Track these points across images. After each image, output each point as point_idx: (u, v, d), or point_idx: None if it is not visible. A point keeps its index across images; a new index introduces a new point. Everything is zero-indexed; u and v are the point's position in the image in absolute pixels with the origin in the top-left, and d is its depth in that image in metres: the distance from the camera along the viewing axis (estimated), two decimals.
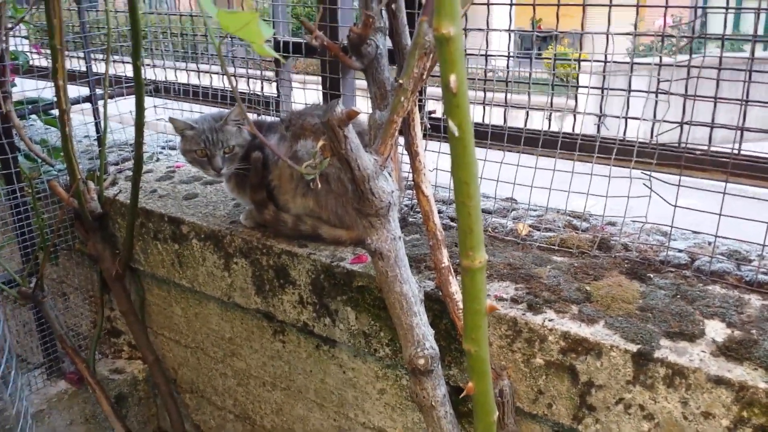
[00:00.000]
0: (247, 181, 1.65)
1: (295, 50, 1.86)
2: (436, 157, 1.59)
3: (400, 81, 1.12)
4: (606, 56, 1.40)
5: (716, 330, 1.18)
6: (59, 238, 2.08)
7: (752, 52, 1.24)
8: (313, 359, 1.73)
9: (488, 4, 1.53)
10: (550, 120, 1.49)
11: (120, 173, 2.21)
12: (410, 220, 1.70)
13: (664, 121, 1.34)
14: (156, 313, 2.14)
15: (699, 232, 1.47)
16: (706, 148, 1.34)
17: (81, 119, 2.16)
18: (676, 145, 1.36)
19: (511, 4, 1.54)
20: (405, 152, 1.36)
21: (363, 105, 1.75)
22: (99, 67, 2.17)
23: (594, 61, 1.43)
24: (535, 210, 1.70)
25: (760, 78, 1.25)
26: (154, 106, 2.25)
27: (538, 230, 1.58)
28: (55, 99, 1.63)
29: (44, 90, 2.13)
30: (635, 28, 1.40)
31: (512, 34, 1.62)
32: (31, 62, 2.27)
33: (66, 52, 1.51)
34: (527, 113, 1.53)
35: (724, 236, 1.36)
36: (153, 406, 2.30)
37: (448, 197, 1.77)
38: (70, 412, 2.10)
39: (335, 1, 1.74)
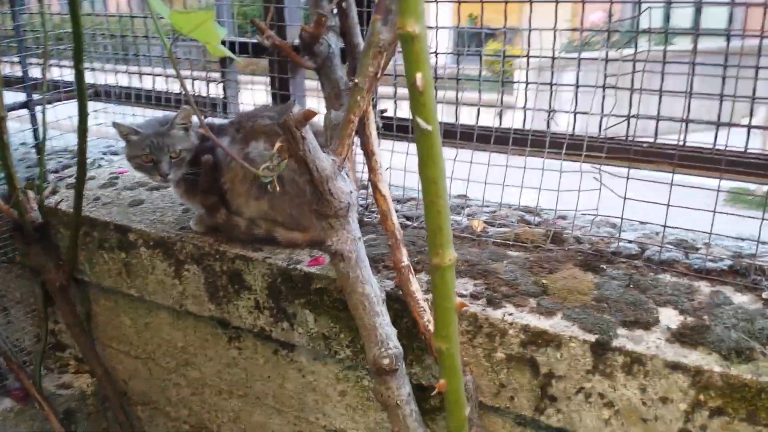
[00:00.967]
0: (197, 185, 1.62)
1: (242, 50, 1.83)
2: (389, 156, 1.59)
3: (356, 80, 1.11)
4: (554, 52, 1.43)
5: (670, 317, 1.21)
6: None
7: (695, 46, 1.28)
8: (271, 364, 1.71)
9: (436, 2, 1.53)
10: (501, 116, 1.51)
11: (60, 181, 2.13)
12: (365, 220, 1.69)
13: (612, 115, 1.37)
14: (103, 324, 2.07)
15: (646, 222, 1.51)
16: (652, 140, 1.38)
17: (17, 126, 2.07)
18: (624, 138, 1.39)
19: (459, 1, 1.55)
20: (360, 152, 1.35)
21: (314, 105, 1.73)
22: (35, 72, 2.08)
23: (541, 57, 1.45)
24: (488, 206, 1.72)
25: (701, 70, 1.29)
26: (94, 111, 2.17)
27: (493, 226, 1.59)
28: None
29: None
30: (581, 24, 1.43)
31: (451, 32, 1.64)
32: None
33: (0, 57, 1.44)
34: (478, 110, 1.54)
35: (671, 226, 1.40)
36: (103, 420, 2.22)
37: (403, 196, 1.77)
38: (17, 430, 2.02)
39: None
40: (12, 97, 2.00)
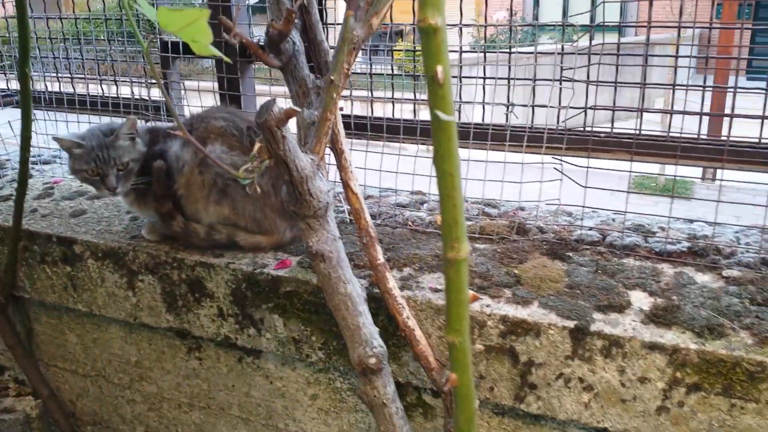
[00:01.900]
0: (149, 193, 1.55)
1: (186, 50, 1.77)
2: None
3: (331, 77, 1.10)
4: (510, 47, 1.46)
5: (640, 300, 1.26)
6: None
7: (647, 38, 1.33)
8: (236, 373, 1.66)
9: None
10: (459, 112, 1.52)
11: None
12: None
13: (571, 107, 1.41)
14: (46, 343, 1.96)
15: (598, 209, 1.56)
16: (609, 130, 1.43)
17: None
18: (582, 129, 1.43)
19: None
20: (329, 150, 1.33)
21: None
22: None
23: (500, 51, 1.48)
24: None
25: (652, 61, 1.35)
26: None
27: None
28: None
29: None
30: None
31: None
32: None
33: None
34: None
35: (630, 212, 1.46)
36: None
37: (363, 193, 1.76)
38: None
39: None
40: None
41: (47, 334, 1.93)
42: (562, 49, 1.38)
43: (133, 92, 1.86)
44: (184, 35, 0.81)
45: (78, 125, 1.95)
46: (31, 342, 1.96)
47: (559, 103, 1.42)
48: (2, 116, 2.02)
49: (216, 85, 1.74)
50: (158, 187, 1.51)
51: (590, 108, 1.40)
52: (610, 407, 1.22)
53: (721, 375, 1.12)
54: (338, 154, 1.31)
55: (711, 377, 1.13)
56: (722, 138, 1.34)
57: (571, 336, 1.21)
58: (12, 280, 1.80)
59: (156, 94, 1.86)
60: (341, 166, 1.31)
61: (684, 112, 1.33)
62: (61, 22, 1.92)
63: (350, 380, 1.51)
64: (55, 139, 1.52)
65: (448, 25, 1.49)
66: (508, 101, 1.48)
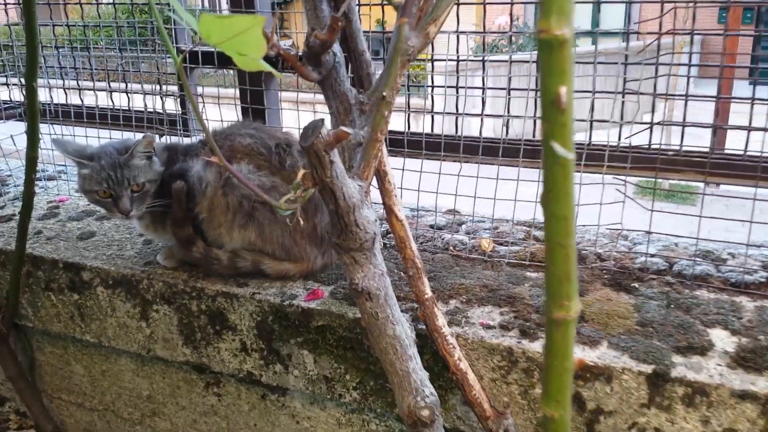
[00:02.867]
0: (166, 216, 1.41)
1: (205, 60, 1.63)
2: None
3: (383, 93, 0.96)
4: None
5: (722, 339, 1.12)
6: None
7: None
8: (259, 411, 1.52)
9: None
10: (508, 126, 1.39)
11: None
12: None
13: (636, 122, 1.27)
14: (50, 374, 1.82)
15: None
16: (677, 148, 1.30)
17: None
18: (647, 147, 1.30)
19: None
20: None
21: (292, 119, 1.56)
22: None
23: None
24: (482, 221, 1.60)
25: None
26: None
27: (502, 245, 1.47)
28: None
29: None
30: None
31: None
32: None
33: None
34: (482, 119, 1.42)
35: (703, 238, 1.32)
36: None
37: None
38: None
39: (252, 3, 1.53)
40: None
41: (51, 364, 1.79)
42: (626, 58, 1.25)
43: (146, 105, 1.73)
44: (227, 47, 0.67)
45: (86, 139, 1.81)
46: (33, 373, 1.82)
47: (622, 118, 1.28)
48: (4, 129, 1.89)
49: (237, 93, 1.60)
50: (178, 209, 1.38)
51: (657, 124, 1.26)
52: None
53: None
54: (381, 176, 1.17)
55: None
56: None
57: (648, 382, 1.07)
58: (14, 308, 1.66)
59: (171, 106, 1.72)
60: (384, 190, 1.17)
61: (766, 129, 1.19)
62: (68, 30, 1.79)
63: (387, 422, 1.38)
64: (55, 141, 1.38)
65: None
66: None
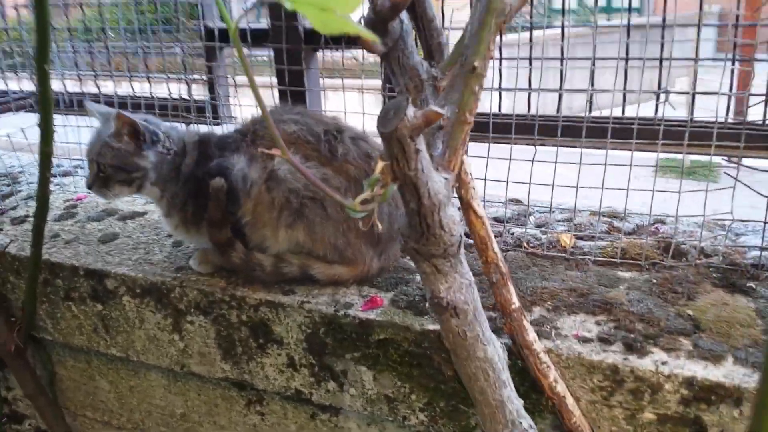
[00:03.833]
0: (200, 217, 1.24)
1: (226, 38, 1.45)
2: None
3: (475, 63, 0.78)
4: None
5: None
6: None
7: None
8: None
9: None
10: (591, 102, 1.20)
11: (2, 215, 1.69)
12: None
13: (751, 94, 1.08)
14: (73, 390, 1.66)
15: (748, 221, 1.23)
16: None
17: None
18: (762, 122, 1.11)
19: None
20: None
21: (336, 102, 1.38)
22: None
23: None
24: (552, 212, 1.41)
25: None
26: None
27: (582, 239, 1.29)
28: None
29: None
30: None
31: None
32: None
33: None
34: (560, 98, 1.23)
35: None
36: None
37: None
38: None
39: None
40: None
41: (74, 379, 1.63)
42: (737, 19, 1.05)
43: (170, 90, 1.55)
44: (307, 7, 0.49)
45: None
46: (54, 388, 1.66)
47: (733, 89, 1.09)
48: (15, 122, 1.72)
49: (274, 79, 1.41)
50: (215, 210, 1.20)
51: None
52: None
53: None
54: None
55: None
56: None
57: None
58: (31, 320, 1.50)
59: (199, 92, 1.54)
60: (460, 181, 0.99)
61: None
62: (82, 9, 1.61)
63: None
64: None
65: None
66: (659, 87, 1.16)
